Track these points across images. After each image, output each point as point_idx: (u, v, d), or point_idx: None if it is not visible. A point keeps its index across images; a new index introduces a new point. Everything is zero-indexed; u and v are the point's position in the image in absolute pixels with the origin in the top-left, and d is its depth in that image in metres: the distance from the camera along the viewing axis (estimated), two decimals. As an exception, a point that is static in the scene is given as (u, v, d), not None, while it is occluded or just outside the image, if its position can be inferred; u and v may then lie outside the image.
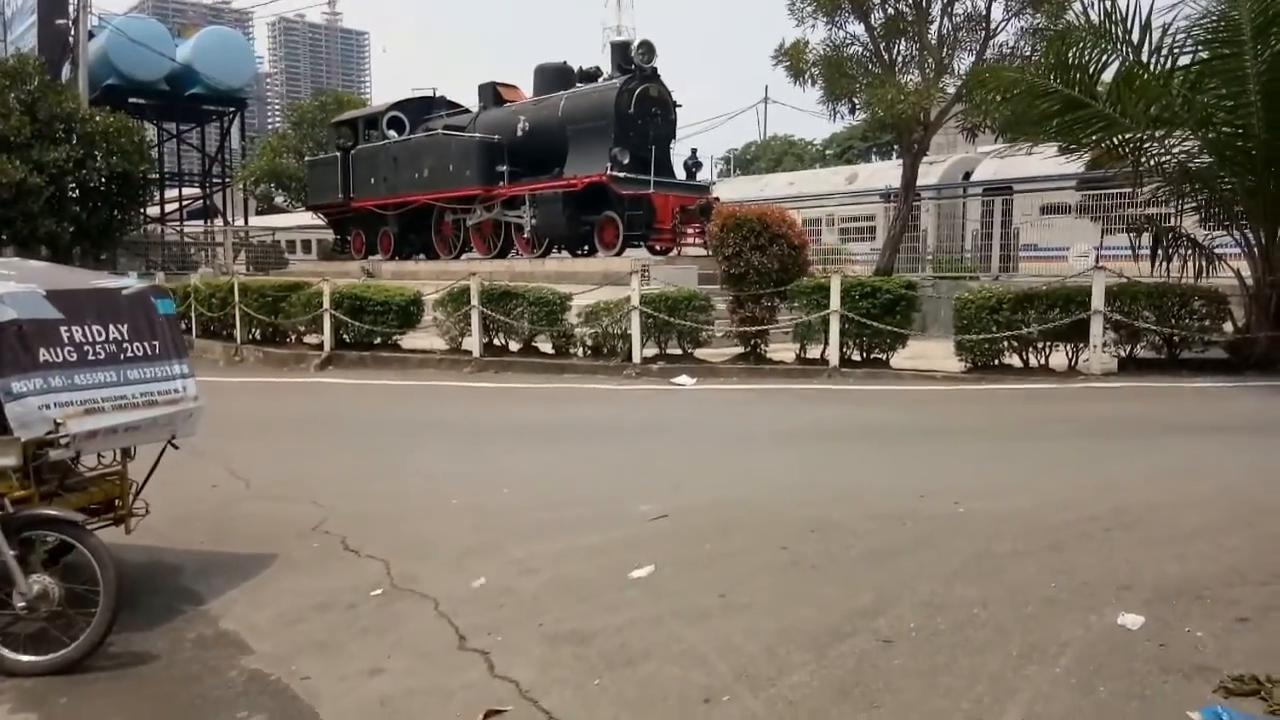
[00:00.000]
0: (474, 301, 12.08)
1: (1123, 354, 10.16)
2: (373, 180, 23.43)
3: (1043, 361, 10.04)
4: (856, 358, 10.73)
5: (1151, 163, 10.64)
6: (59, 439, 3.93)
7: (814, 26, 16.12)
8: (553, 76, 20.36)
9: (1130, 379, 9.82)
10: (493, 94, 21.88)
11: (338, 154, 24.82)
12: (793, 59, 16.12)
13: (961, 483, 5.64)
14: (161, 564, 5.17)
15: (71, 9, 30.01)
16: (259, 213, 39.73)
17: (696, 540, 4.79)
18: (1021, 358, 10.08)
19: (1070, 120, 10.34)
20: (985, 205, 19.16)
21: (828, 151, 57.77)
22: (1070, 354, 10.01)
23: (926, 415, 8.40)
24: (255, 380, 12.59)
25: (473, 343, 12.25)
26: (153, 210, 34.60)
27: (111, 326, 4.57)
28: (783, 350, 11.28)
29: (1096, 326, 9.73)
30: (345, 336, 13.23)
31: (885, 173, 24.02)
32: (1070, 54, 9.51)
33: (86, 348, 4.43)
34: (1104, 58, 9.64)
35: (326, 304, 13.08)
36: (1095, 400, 8.87)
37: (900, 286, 10.48)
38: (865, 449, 7.03)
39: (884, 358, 10.65)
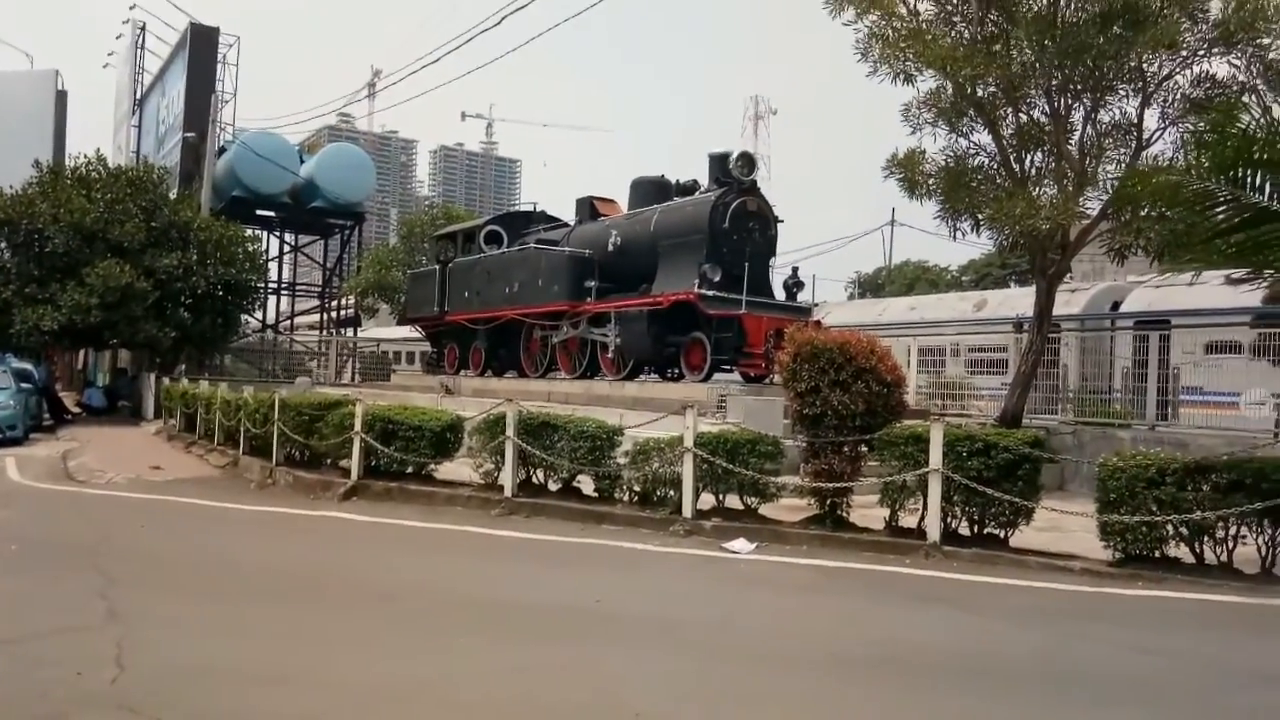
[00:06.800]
0: (509, 432, 10.39)
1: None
2: (466, 294, 22.69)
3: (1223, 557, 7.39)
4: (965, 531, 8.33)
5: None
6: None
7: (934, 137, 14.23)
8: (649, 190, 19.15)
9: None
10: (589, 208, 20.89)
11: (436, 267, 24.33)
12: (907, 170, 14.20)
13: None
14: None
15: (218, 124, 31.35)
16: (398, 323, 40.13)
17: None
18: (1194, 550, 7.40)
19: (1256, 238, 7.96)
20: (1138, 340, 16.44)
21: (964, 278, 55.06)
22: (1266, 549, 7.34)
23: (1059, 641, 5.94)
24: (270, 510, 11.18)
25: (506, 479, 10.51)
26: (273, 318, 35.36)
27: None
28: (870, 512, 8.97)
29: (1304, 514, 7.08)
30: (376, 463, 11.76)
31: (1019, 300, 21.55)
32: (1258, 148, 7.22)
33: None
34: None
35: (357, 426, 11.67)
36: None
37: (1024, 443, 8.07)
38: (961, 706, 4.70)
39: (1001, 534, 8.21)
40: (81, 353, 34.78)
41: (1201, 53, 12.33)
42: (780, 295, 17.31)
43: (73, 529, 9.88)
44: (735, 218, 16.38)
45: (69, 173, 26.07)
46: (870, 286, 60.63)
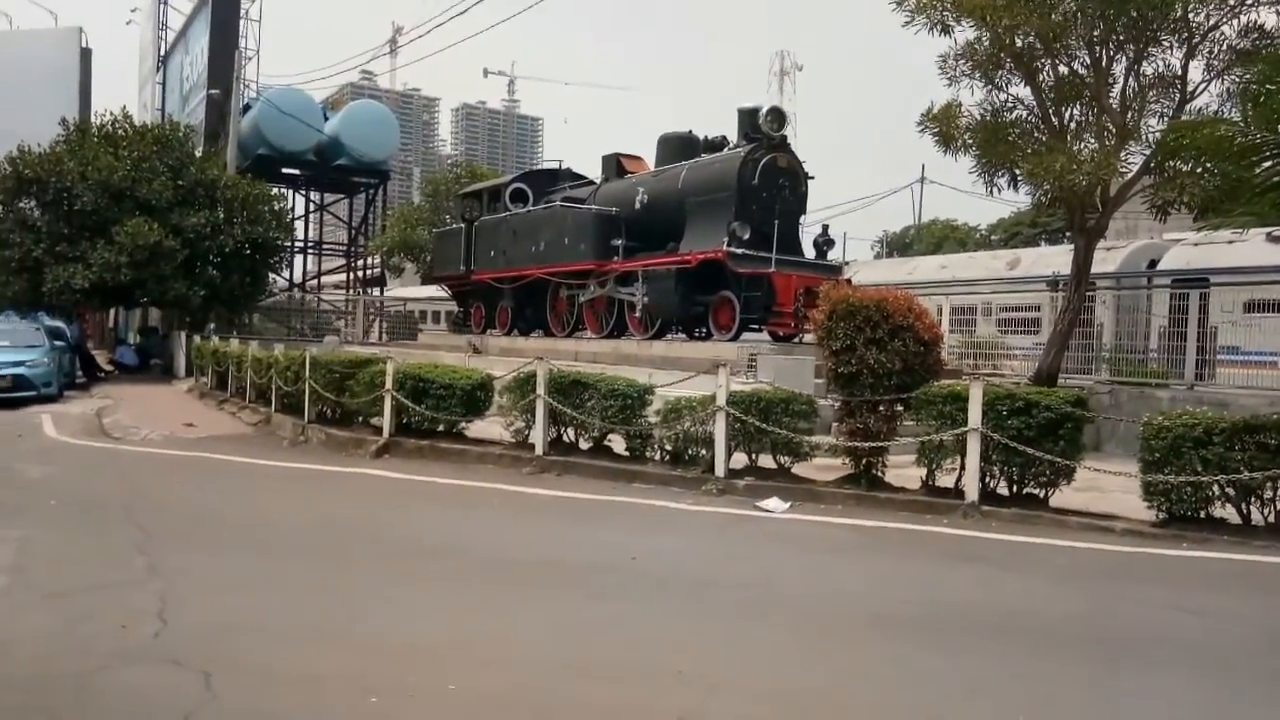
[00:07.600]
0: (539, 391, 10.36)
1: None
2: (492, 253, 22.55)
3: (1271, 518, 7.26)
4: (1003, 491, 8.24)
5: None
6: None
7: (971, 90, 13.84)
8: (676, 146, 18.82)
9: None
10: (615, 165, 20.59)
11: (462, 225, 24.20)
12: (943, 124, 13.84)
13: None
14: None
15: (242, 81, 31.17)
16: (423, 282, 40.25)
17: None
18: (1240, 511, 7.29)
19: (1310, 190, 7.72)
20: (1176, 299, 16.11)
21: (993, 237, 54.30)
22: (1315, 510, 7.22)
23: (1104, 602, 5.84)
24: (304, 467, 11.25)
25: (537, 438, 10.50)
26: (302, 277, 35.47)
27: None
28: (906, 471, 8.89)
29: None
30: (407, 421, 11.80)
31: (1052, 258, 21.15)
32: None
33: None
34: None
35: (389, 384, 11.69)
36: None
37: (1066, 402, 7.94)
38: (1007, 666, 4.66)
39: (1041, 494, 8.11)
40: (112, 311, 35.08)
41: (1250, 2, 11.90)
42: (810, 253, 17.06)
43: (110, 485, 9.98)
44: (765, 174, 16.08)
45: (95, 130, 26.06)
46: (897, 246, 59.93)
